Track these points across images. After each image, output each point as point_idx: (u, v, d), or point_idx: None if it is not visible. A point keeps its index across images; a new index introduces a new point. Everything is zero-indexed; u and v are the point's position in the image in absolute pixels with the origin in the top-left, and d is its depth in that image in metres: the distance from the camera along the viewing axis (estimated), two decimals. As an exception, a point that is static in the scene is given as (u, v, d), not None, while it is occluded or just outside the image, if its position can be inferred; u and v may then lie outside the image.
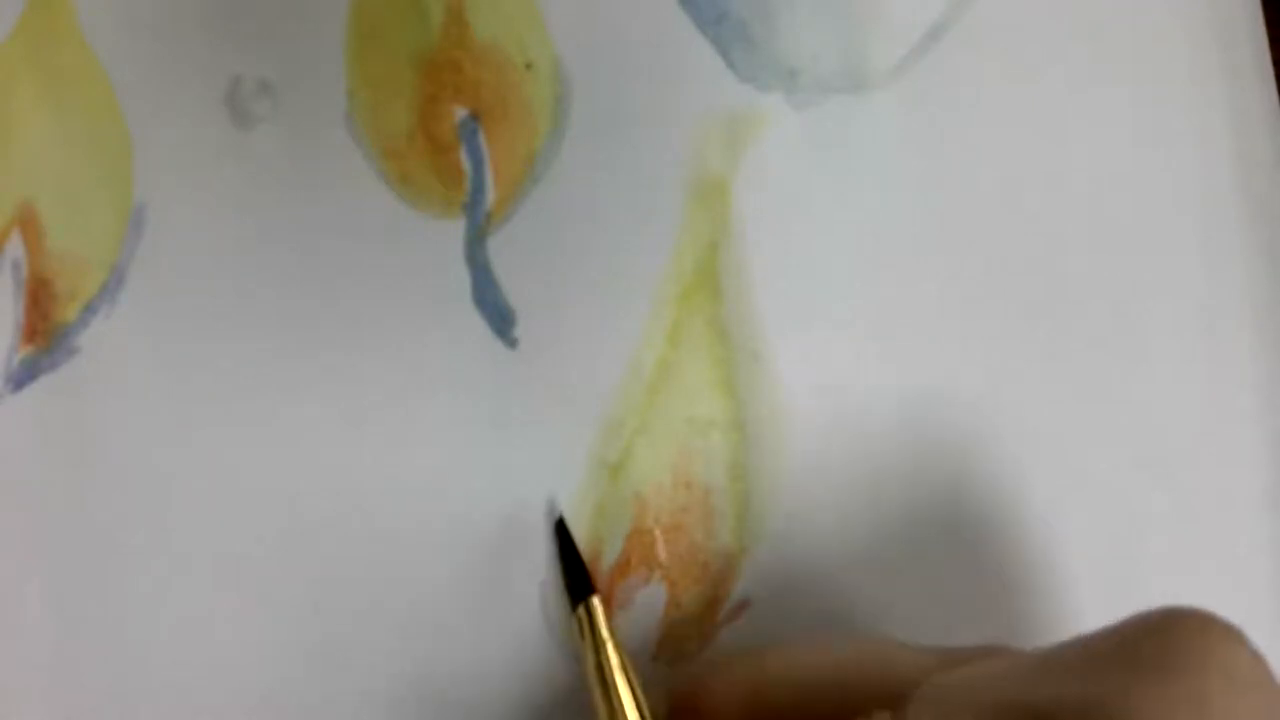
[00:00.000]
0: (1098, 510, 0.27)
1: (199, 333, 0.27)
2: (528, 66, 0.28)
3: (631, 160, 0.28)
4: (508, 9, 0.28)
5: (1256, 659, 0.19)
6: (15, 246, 0.27)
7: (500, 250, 0.27)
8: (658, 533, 0.27)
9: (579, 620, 0.25)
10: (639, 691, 0.24)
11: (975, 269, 0.28)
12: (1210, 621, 0.19)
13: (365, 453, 0.27)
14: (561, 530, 0.26)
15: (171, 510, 0.27)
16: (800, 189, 0.28)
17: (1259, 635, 0.19)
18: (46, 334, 0.27)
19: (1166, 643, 0.19)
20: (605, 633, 0.24)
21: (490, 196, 0.28)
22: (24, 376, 0.27)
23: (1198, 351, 0.28)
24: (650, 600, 0.27)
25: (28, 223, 0.27)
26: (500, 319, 0.27)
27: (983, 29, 0.28)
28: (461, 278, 0.27)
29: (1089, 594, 0.27)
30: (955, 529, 0.27)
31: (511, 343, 0.27)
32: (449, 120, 0.28)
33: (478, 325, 0.27)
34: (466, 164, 0.28)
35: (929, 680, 0.21)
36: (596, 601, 0.25)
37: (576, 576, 0.25)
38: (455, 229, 0.27)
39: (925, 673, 0.21)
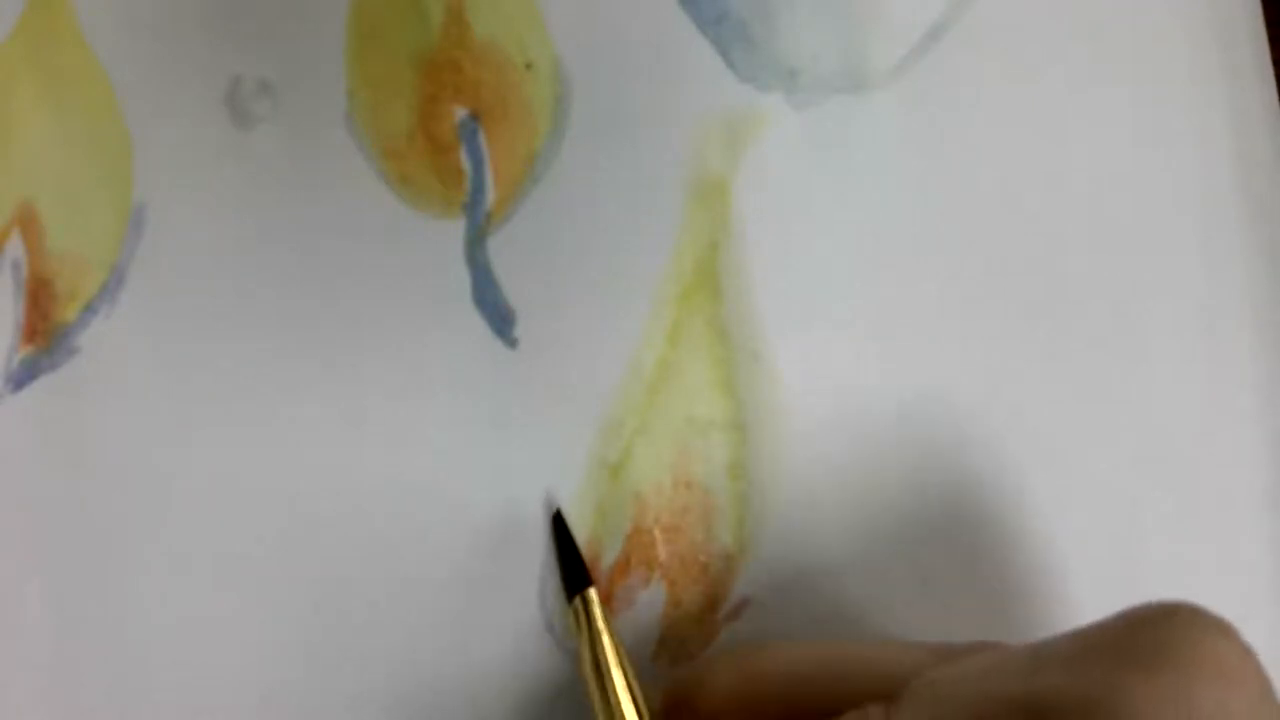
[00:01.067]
0: (1098, 510, 0.27)
1: (199, 333, 0.27)
2: (528, 66, 0.28)
3: (631, 160, 0.28)
4: (508, 9, 0.28)
5: (1246, 653, 0.19)
6: (15, 246, 0.27)
7: (500, 250, 0.27)
8: (657, 533, 0.27)
9: (575, 612, 0.25)
10: (635, 684, 0.24)
11: (975, 269, 0.28)
12: (1200, 615, 0.19)
13: (365, 453, 0.27)
14: (559, 523, 0.26)
15: (171, 510, 0.27)
16: (800, 189, 0.28)
17: (1259, 635, 0.19)
18: (46, 334, 0.27)
19: (1156, 636, 0.19)
20: (601, 624, 0.24)
21: (490, 196, 0.28)
22: (24, 376, 0.27)
23: (1198, 351, 0.28)
24: (650, 600, 0.27)
25: (28, 223, 0.27)
26: (500, 319, 0.27)
27: (983, 29, 0.28)
28: (461, 278, 0.27)
29: (1089, 594, 0.27)
30: (955, 529, 0.27)
31: (511, 343, 0.27)
32: (449, 120, 0.28)
33: (478, 325, 0.27)
34: (466, 164, 0.28)
35: (921, 675, 0.21)
36: (593, 593, 0.25)
37: (573, 569, 0.25)
38: (455, 229, 0.27)
39: (918, 667, 0.21)
